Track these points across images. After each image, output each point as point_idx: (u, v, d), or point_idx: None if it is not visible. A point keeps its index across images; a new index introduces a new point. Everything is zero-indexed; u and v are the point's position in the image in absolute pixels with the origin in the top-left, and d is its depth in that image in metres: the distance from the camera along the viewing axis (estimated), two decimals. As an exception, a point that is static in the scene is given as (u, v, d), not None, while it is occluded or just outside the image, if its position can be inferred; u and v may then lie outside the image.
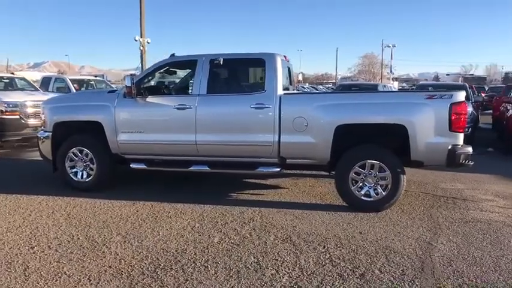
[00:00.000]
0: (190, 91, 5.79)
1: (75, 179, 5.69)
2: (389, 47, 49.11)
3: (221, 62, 5.18)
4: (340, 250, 3.78)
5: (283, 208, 4.99)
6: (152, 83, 5.84)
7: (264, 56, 5.16)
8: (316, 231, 4.25)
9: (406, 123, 4.58)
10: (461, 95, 4.57)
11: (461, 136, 4.60)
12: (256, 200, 5.39)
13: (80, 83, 13.27)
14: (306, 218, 4.64)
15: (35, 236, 4.09)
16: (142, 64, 20.79)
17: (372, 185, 4.81)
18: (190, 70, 6.54)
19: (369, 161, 4.77)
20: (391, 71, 50.93)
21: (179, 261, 3.54)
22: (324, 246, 3.86)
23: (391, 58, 49.15)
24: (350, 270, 3.39)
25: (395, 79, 53.37)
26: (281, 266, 3.46)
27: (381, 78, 58.99)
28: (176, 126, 5.25)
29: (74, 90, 12.51)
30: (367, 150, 4.84)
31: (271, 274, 3.31)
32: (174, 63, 5.75)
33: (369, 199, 4.83)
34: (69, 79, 12.82)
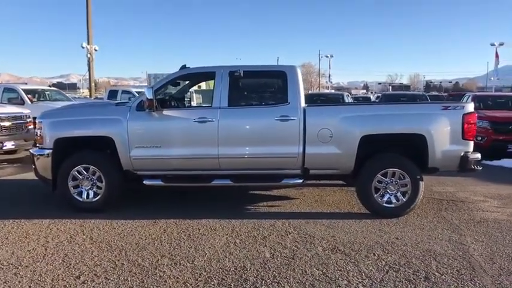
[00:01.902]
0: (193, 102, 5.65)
1: (80, 199, 5.26)
2: (327, 57, 51.61)
3: (241, 74, 5.15)
4: (391, 256, 3.94)
5: (309, 218, 5.06)
6: (165, 95, 5.60)
7: (285, 69, 5.23)
8: (356, 239, 4.38)
9: (425, 132, 4.91)
10: (471, 106, 5.02)
11: (471, 144, 5.03)
12: (278, 212, 5.40)
13: (33, 93, 12.16)
14: (338, 228, 4.75)
15: (70, 264, 3.73)
16: (90, 72, 19.68)
17: (393, 192, 5.06)
18: (188, 81, 6.44)
19: (390, 169, 5.03)
20: (329, 80, 53.48)
21: (247, 279, 3.46)
22: (374, 254, 4.00)
23: (329, 67, 51.71)
24: (413, 274, 3.56)
25: (329, 87, 56.17)
26: (348, 275, 3.53)
27: (319, 87, 61.66)
28: (197, 140, 5.10)
29: (29, 101, 11.49)
30: (389, 158, 5.10)
31: (345, 285, 3.37)
32: (189, 75, 5.59)
33: (390, 206, 5.08)
34: (22, 89, 11.70)
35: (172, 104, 5.72)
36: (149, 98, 4.88)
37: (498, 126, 9.52)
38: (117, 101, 10.30)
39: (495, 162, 9.17)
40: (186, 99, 6.67)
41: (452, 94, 17.88)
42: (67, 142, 5.26)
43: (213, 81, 6.83)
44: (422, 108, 5.27)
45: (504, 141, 9.40)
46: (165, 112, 5.16)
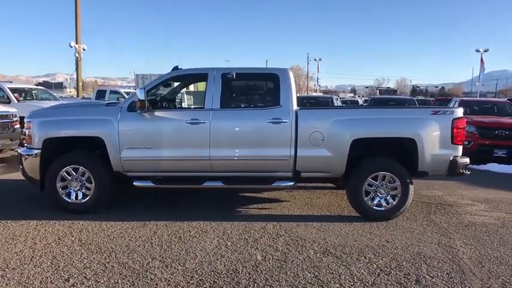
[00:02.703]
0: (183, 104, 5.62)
1: (69, 200, 5.17)
2: (316, 60, 51.86)
3: (234, 76, 5.14)
4: (382, 259, 3.97)
5: (300, 221, 5.07)
6: (156, 96, 5.56)
7: (278, 72, 5.24)
8: (347, 242, 4.40)
9: (416, 136, 4.97)
10: (460, 111, 5.10)
11: (460, 148, 5.11)
12: (268, 214, 5.39)
13: (20, 92, 11.93)
14: (329, 231, 4.76)
15: (59, 266, 3.66)
16: (77, 72, 19.43)
17: (383, 196, 5.10)
18: (180, 83, 6.40)
19: (381, 172, 5.07)
20: (318, 83, 53.78)
21: (239, 282, 3.44)
22: (365, 257, 4.02)
23: (318, 71, 52.00)
24: (404, 277, 3.59)
25: (317, 91, 56.53)
26: (340, 279, 3.54)
27: (307, 90, 61.94)
28: (189, 142, 5.07)
29: (15, 100, 11.29)
30: (380, 162, 5.14)
31: (337, 287, 3.38)
32: (182, 77, 5.55)
33: (380, 209, 5.12)
34: (8, 88, 11.48)
35: (164, 105, 5.69)
36: (141, 98, 4.83)
37: (484, 131, 9.70)
38: (107, 101, 10.18)
39: (481, 167, 9.34)
40: (177, 100, 6.62)
41: (439, 99, 18.16)
42: (56, 142, 5.18)
43: (202, 83, 6.81)
44: (413, 112, 5.33)
45: (490, 146, 9.58)
46: (157, 113, 5.12)
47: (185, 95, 6.82)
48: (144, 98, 4.83)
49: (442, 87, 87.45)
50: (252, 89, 5.76)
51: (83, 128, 5.12)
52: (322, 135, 5.02)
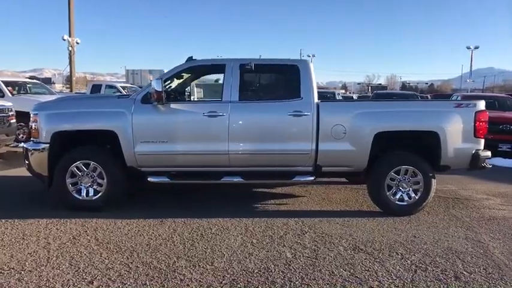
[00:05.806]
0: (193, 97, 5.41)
1: (79, 197, 4.94)
2: (309, 56, 51.68)
3: (252, 67, 4.95)
4: (415, 255, 3.85)
5: (321, 217, 4.92)
6: (168, 88, 5.32)
7: (298, 63, 5.07)
8: (375, 238, 4.27)
9: (439, 130, 4.86)
10: (482, 104, 5.00)
11: (482, 141, 5.02)
12: (288, 210, 5.24)
13: (13, 85, 11.53)
14: (353, 226, 4.63)
15: (79, 268, 3.44)
16: (71, 66, 18.96)
17: (405, 190, 4.99)
18: (192, 74, 6.17)
19: (403, 166, 4.95)
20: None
21: (274, 281, 3.28)
22: (397, 253, 3.89)
23: (310, 67, 51.62)
24: (441, 273, 3.47)
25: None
26: (377, 276, 3.40)
27: (299, 86, 61.56)
28: (206, 135, 4.87)
29: (9, 94, 10.90)
30: (402, 156, 5.02)
31: (377, 285, 3.24)
32: (197, 68, 5.33)
33: (403, 203, 5.01)
34: (1, 81, 11.06)
35: (177, 97, 5.46)
36: (158, 90, 4.60)
37: (489, 125, 9.63)
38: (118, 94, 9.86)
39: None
40: (186, 92, 6.39)
41: (437, 95, 18.22)
42: (65, 136, 4.93)
43: (206, 76, 6.57)
44: (436, 105, 5.22)
45: (495, 141, 9.55)
46: (173, 105, 4.90)
47: (195, 88, 6.60)
48: (161, 89, 4.61)
49: (431, 84, 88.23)
50: (271, 81, 5.59)
51: (95, 122, 4.87)
52: (344, 128, 4.87)
